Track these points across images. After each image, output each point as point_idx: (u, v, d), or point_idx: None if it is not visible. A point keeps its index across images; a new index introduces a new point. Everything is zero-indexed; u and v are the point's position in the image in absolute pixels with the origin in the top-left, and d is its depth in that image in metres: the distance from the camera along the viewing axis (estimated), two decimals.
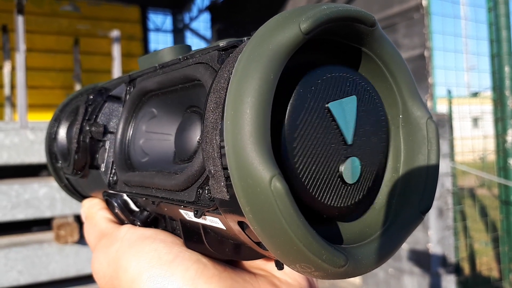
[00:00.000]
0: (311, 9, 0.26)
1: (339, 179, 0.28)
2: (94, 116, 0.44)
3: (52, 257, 2.06)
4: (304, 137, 0.26)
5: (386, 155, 0.32)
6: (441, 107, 3.05)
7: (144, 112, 0.41)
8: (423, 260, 2.81)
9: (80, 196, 0.56)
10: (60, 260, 2.07)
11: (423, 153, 0.31)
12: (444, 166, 2.76)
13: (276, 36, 0.25)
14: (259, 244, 0.29)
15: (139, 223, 0.40)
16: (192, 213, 0.32)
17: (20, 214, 2.08)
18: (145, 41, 5.39)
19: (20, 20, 2.37)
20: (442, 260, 2.79)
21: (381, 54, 0.30)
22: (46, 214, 2.06)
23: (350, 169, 0.28)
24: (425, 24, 2.99)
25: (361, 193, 0.29)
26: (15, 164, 2.10)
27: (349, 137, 0.28)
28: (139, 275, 0.33)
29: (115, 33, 3.13)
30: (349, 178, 0.28)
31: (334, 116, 0.27)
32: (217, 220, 0.30)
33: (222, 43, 0.31)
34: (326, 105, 0.27)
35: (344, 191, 0.28)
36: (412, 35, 3.13)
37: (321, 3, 0.27)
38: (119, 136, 0.41)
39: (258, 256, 0.35)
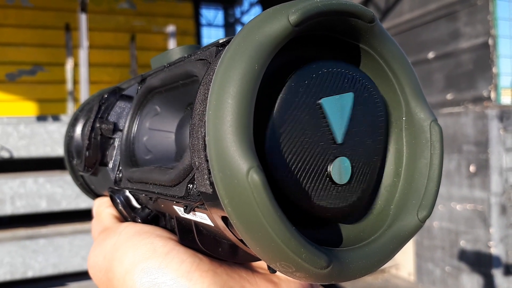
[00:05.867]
0: (303, 1, 0.25)
1: (327, 179, 0.27)
2: (106, 114, 0.45)
3: None
4: (292, 133, 0.26)
5: (383, 158, 0.31)
6: (506, 99, 2.89)
7: (148, 109, 0.41)
8: (483, 259, 2.69)
9: (94, 194, 0.58)
10: None
11: (425, 157, 0.30)
12: (509, 161, 2.62)
13: (264, 28, 0.24)
14: (242, 241, 0.28)
15: (139, 220, 0.40)
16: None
17: (83, 203, 2.19)
18: (198, 36, 5.48)
19: (83, 18, 2.48)
20: (505, 260, 2.66)
21: (382, 52, 0.29)
22: None
23: (338, 169, 0.27)
24: (489, 11, 2.84)
25: (355, 195, 0.28)
26: None
27: (339, 136, 0.27)
28: (133, 266, 0.33)
29: (170, 28, 3.21)
30: (338, 179, 0.27)
31: (326, 113, 0.26)
32: (205, 216, 0.30)
33: (222, 40, 0.31)
34: (319, 101, 0.26)
35: (334, 192, 0.27)
36: (475, 22, 2.98)
37: None
38: (125, 133, 0.41)
39: (252, 258, 0.34)
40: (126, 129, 0.42)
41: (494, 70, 2.85)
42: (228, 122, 0.23)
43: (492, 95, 2.84)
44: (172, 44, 3.20)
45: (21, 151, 2.20)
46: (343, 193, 0.28)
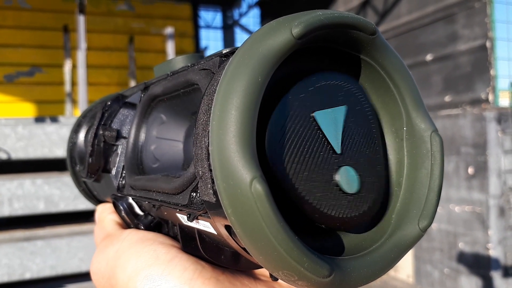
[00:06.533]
0: (305, 14, 0.26)
1: (336, 187, 0.27)
2: (109, 121, 0.46)
3: None
4: (293, 144, 0.26)
5: (386, 168, 0.31)
6: (504, 101, 2.90)
7: (154, 118, 0.41)
8: (482, 261, 2.69)
9: (96, 200, 0.58)
10: None
11: (426, 167, 0.30)
12: (507, 163, 2.62)
13: (267, 40, 0.25)
14: (245, 249, 0.28)
15: (142, 227, 0.41)
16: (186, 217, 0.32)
17: (81, 205, 2.19)
18: (196, 38, 5.48)
19: (81, 20, 2.48)
20: (503, 262, 2.66)
21: (383, 63, 0.30)
22: None
23: (345, 178, 0.27)
24: (487, 13, 2.85)
25: (366, 205, 0.28)
26: None
27: (337, 147, 0.28)
28: (136, 273, 0.33)
29: (169, 30, 3.21)
30: (347, 188, 0.27)
31: (320, 126, 0.27)
32: (208, 224, 0.30)
33: (225, 50, 0.32)
34: (312, 114, 0.27)
35: (345, 201, 0.28)
36: (473, 25, 2.99)
37: (318, 10, 0.27)
38: (131, 140, 0.42)
39: (255, 266, 0.35)
40: (132, 136, 0.42)
41: (492, 72, 2.86)
42: (232, 132, 0.23)
43: (490, 97, 2.85)
44: (170, 46, 3.20)
45: (19, 153, 2.19)
46: (354, 203, 0.28)
